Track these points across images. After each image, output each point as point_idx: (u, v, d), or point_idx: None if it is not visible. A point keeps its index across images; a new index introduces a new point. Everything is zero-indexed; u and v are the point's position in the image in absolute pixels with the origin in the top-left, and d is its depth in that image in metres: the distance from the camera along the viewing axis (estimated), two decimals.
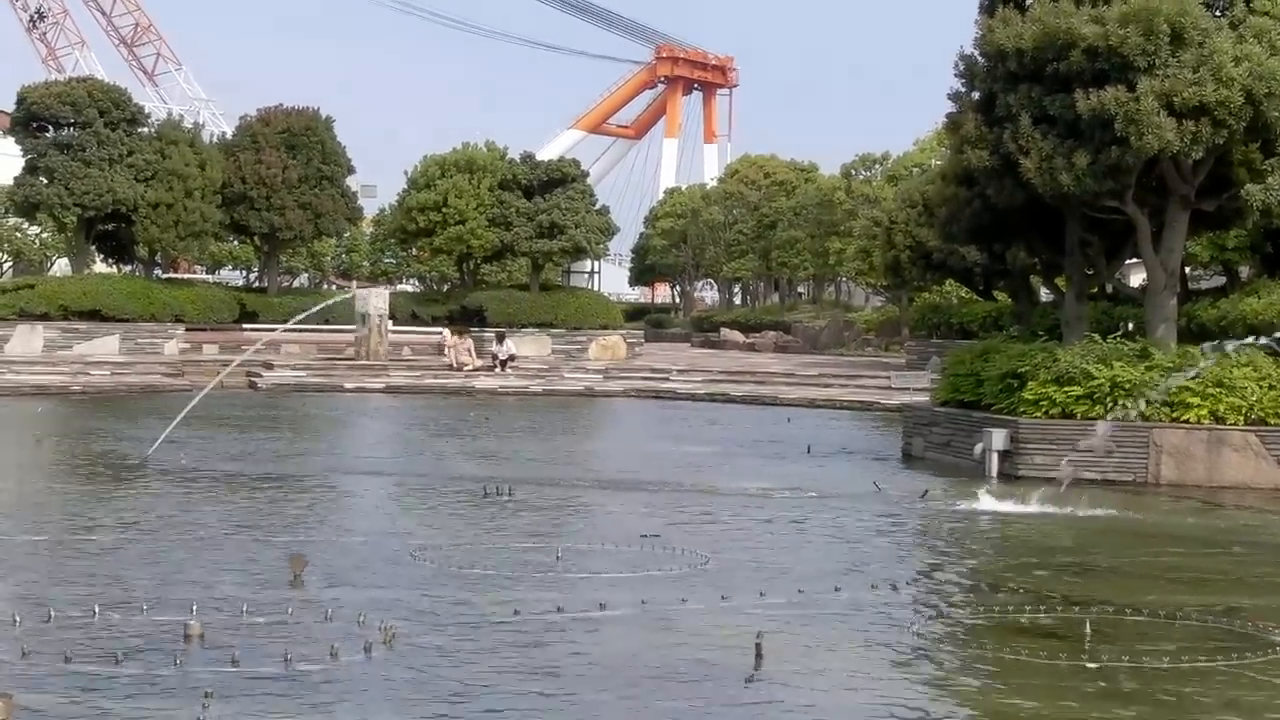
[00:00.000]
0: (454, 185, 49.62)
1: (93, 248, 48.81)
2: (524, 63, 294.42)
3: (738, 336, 60.95)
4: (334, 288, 74.35)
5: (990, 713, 8.25)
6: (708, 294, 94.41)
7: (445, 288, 66.32)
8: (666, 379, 40.44)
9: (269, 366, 38.92)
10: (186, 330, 43.89)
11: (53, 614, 9.70)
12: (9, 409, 29.58)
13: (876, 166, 58.46)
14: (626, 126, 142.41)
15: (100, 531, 13.78)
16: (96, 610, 9.85)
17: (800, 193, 68.36)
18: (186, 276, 66.38)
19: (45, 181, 44.15)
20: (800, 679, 8.69)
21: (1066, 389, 19.44)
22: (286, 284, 67.96)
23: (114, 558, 12.44)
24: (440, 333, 44.13)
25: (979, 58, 20.92)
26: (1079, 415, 19.24)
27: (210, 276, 74.14)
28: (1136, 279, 32.91)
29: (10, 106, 47.08)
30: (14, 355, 39.31)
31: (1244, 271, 34.45)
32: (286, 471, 19.56)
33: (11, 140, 47.77)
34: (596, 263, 78.48)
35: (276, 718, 7.75)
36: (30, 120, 45.30)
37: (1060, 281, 23.56)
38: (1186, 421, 18.91)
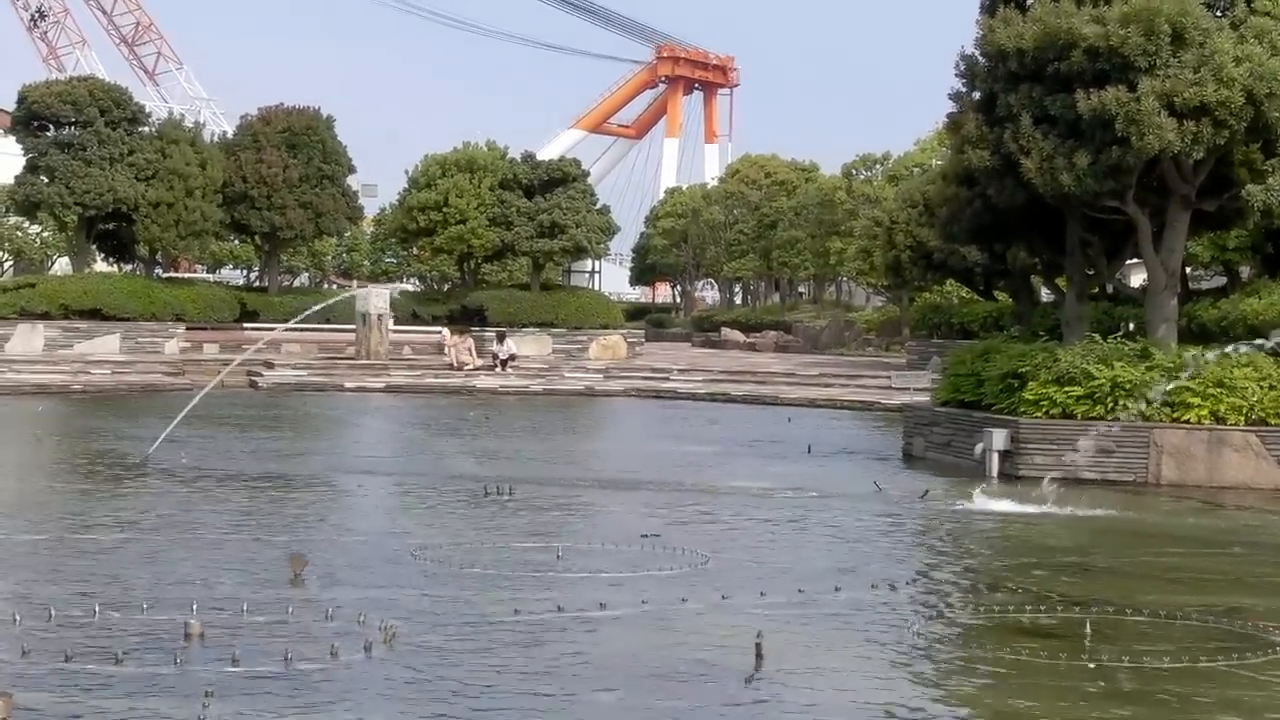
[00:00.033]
0: (455, 185, 49.63)
1: (93, 247, 48.82)
2: (525, 62, 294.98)
3: (738, 336, 60.95)
4: (334, 287, 74.38)
5: (990, 713, 8.25)
6: (708, 294, 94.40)
7: (446, 287, 66.34)
8: (667, 379, 40.44)
9: (269, 366, 38.93)
10: (187, 329, 43.89)
11: (53, 613, 9.70)
12: (10, 408, 29.59)
13: (877, 166, 58.45)
14: (627, 126, 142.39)
15: (100, 530, 13.78)
16: (97, 609, 9.86)
17: (801, 192, 68.35)
18: (187, 276, 66.39)
19: (46, 180, 44.15)
20: (800, 679, 8.69)
21: (1067, 389, 19.44)
22: (287, 283, 67.96)
23: (114, 557, 12.44)
24: (440, 332, 44.14)
25: (980, 58, 20.92)
26: (1079, 415, 19.24)
27: (211, 276, 74.15)
28: (1137, 279, 32.92)
29: (11, 105, 47.07)
30: (15, 354, 39.32)
31: (1245, 272, 34.46)
32: (287, 471, 19.56)
33: (12, 139, 47.76)
34: (597, 262, 78.42)
35: (276, 717, 7.75)
36: (31, 119, 45.31)
37: (1061, 281, 23.55)
38: (1187, 422, 18.91)
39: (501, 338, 42.36)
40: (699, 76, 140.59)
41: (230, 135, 52.25)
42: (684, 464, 21.48)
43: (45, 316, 41.25)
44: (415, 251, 68.05)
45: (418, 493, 17.82)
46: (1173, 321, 21.11)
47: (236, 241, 64.39)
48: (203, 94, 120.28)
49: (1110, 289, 30.17)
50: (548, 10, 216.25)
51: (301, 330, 39.24)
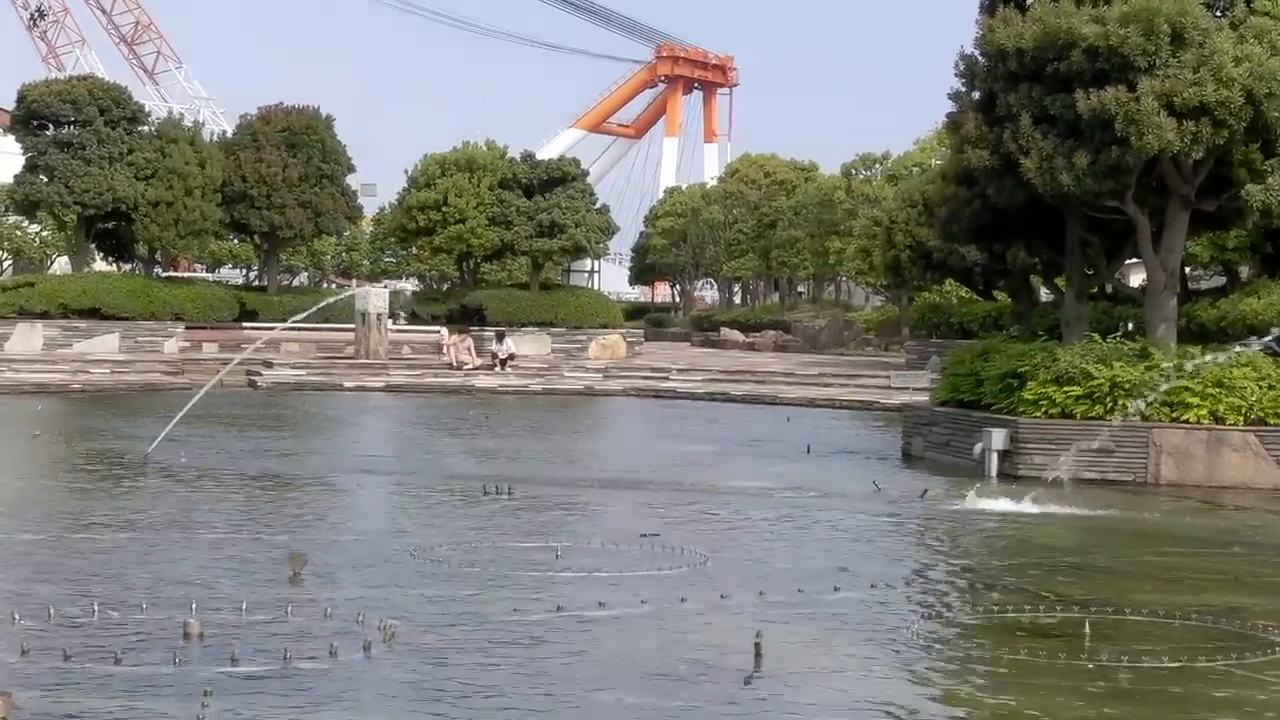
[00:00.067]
0: (454, 184, 49.62)
1: (93, 246, 48.82)
2: (524, 62, 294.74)
3: (737, 336, 60.94)
4: (334, 286, 74.39)
5: (989, 713, 8.25)
6: (708, 293, 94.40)
7: (445, 286, 66.35)
8: (666, 378, 40.44)
9: (269, 365, 38.92)
10: (186, 329, 43.89)
11: (52, 612, 9.70)
12: (9, 407, 29.58)
13: (877, 166, 58.45)
14: (627, 126, 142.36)
15: (99, 530, 13.78)
16: (96, 608, 9.86)
17: (800, 192, 68.36)
18: (186, 275, 66.41)
19: (45, 180, 44.14)
20: (799, 678, 8.69)
21: (1066, 389, 19.44)
22: (286, 282, 67.95)
23: (113, 556, 12.44)
24: (439, 331, 44.15)
25: (979, 57, 20.92)
26: (1079, 415, 19.25)
27: (210, 275, 74.19)
28: (1136, 279, 32.90)
29: (10, 104, 47.08)
30: (14, 353, 39.31)
31: (1244, 272, 34.45)
32: (286, 470, 19.56)
33: (12, 138, 47.77)
34: (596, 262, 78.42)
35: (276, 716, 7.75)
36: (30, 118, 45.30)
37: (1060, 281, 23.56)
38: (1186, 421, 18.91)
39: (501, 337, 42.36)
40: (698, 76, 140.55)
41: (229, 134, 52.25)
42: (683, 463, 21.48)
43: (44, 316, 41.26)
44: (414, 251, 68.05)
45: (417, 492, 17.82)
46: (1172, 321, 21.11)
47: (236, 241, 64.42)
48: (202, 93, 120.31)
49: (1110, 289, 30.17)
50: (547, 10, 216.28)
51: (301, 330, 39.23)
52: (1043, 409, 19.56)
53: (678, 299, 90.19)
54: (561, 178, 49.72)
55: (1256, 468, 18.69)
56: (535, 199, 49.56)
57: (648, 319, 75.78)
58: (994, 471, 19.40)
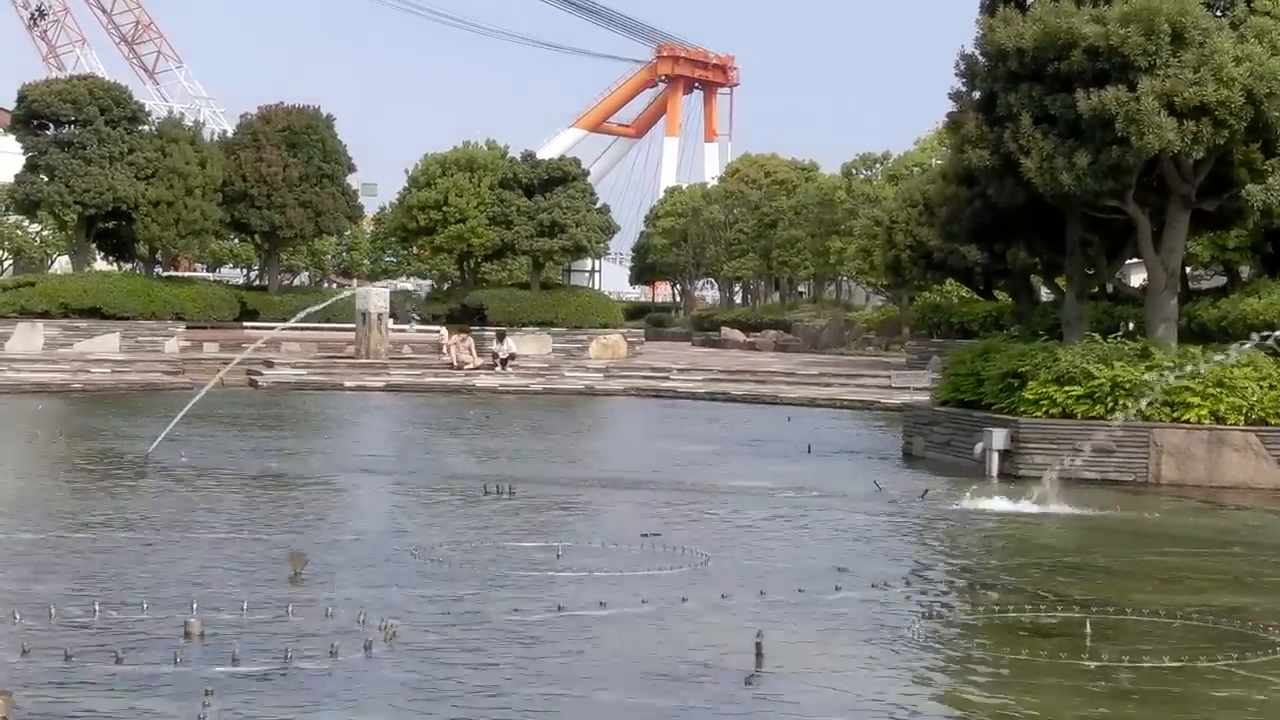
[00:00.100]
0: (454, 184, 49.63)
1: (93, 245, 48.84)
2: (525, 61, 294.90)
3: (738, 335, 60.94)
4: (334, 286, 74.40)
5: (989, 712, 8.24)
6: (708, 293, 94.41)
7: (446, 286, 66.35)
8: (667, 378, 40.44)
9: (269, 365, 38.93)
10: (187, 328, 43.91)
11: (53, 612, 9.70)
12: (9, 406, 29.59)
13: (877, 166, 58.45)
14: (627, 125, 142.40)
15: (100, 529, 13.78)
16: (96, 608, 9.86)
17: (801, 192, 68.36)
18: (187, 274, 66.43)
19: (46, 179, 44.16)
20: (800, 678, 8.69)
21: (1067, 389, 19.44)
22: (287, 282, 67.98)
23: (114, 555, 12.44)
24: (439, 331, 44.15)
25: (980, 57, 20.91)
26: (1079, 415, 19.25)
27: (211, 274, 74.23)
28: (1137, 279, 32.91)
29: (11, 104, 47.10)
30: (14, 353, 39.33)
31: (1244, 271, 34.46)
32: (287, 470, 19.56)
33: (12, 138, 47.79)
34: (597, 261, 78.42)
35: (277, 715, 7.75)
36: (31, 118, 45.32)
37: (1061, 281, 23.55)
38: (1187, 421, 18.91)
39: (501, 337, 42.36)
40: (699, 76, 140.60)
41: (230, 134, 52.28)
42: (684, 463, 21.48)
43: (45, 315, 41.28)
44: (415, 250, 68.06)
45: (417, 492, 17.82)
46: (1173, 321, 21.10)
47: (236, 240, 64.47)
48: (202, 93, 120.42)
49: (1110, 289, 30.17)
50: (548, 9, 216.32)
51: (301, 329, 39.25)
52: (1043, 409, 19.56)
53: (678, 299, 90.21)
54: (562, 177, 49.73)
55: (1257, 468, 18.68)
56: (536, 199, 49.56)
57: (648, 319, 75.80)
58: (995, 471, 19.40)
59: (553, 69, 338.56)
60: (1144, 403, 18.39)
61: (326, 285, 75.28)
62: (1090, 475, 18.54)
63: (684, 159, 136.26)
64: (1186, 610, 10.61)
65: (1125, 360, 19.49)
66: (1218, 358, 18.82)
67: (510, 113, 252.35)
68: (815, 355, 51.41)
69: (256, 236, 52.21)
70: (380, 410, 32.30)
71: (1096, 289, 27.15)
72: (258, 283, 62.84)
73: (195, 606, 9.77)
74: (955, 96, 21.86)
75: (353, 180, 53.18)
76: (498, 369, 40.66)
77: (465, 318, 46.59)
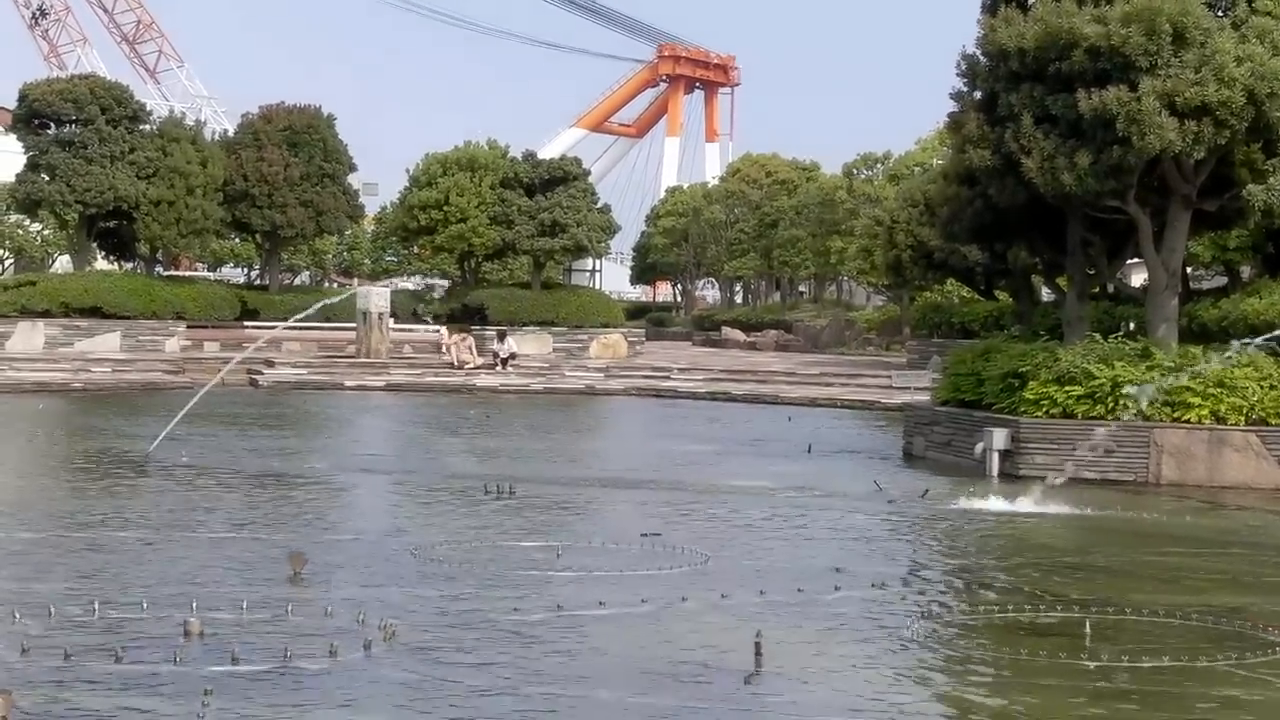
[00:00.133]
0: (455, 183, 49.63)
1: (94, 245, 48.86)
2: (526, 61, 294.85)
3: (739, 335, 60.94)
4: (335, 286, 74.41)
5: (989, 712, 8.24)
6: (709, 293, 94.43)
7: (447, 285, 66.35)
8: (667, 377, 40.45)
9: (270, 364, 38.93)
10: (188, 327, 43.93)
11: (52, 611, 9.70)
12: (10, 406, 29.59)
13: (878, 166, 58.45)
14: (628, 125, 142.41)
15: (100, 528, 13.78)
16: (96, 607, 9.86)
17: (802, 192, 68.37)
18: (188, 274, 66.43)
19: (47, 178, 44.17)
20: (800, 678, 8.69)
21: (1067, 389, 19.43)
22: (288, 282, 67.99)
23: (114, 555, 12.44)
24: (439, 330, 44.16)
25: (981, 57, 20.91)
26: (1080, 415, 19.24)
27: (211, 274, 74.25)
28: (1138, 279, 32.91)
29: (12, 103, 47.12)
30: (15, 352, 39.34)
31: (1245, 271, 34.45)
32: (287, 469, 19.56)
33: (13, 137, 47.82)
34: (598, 261, 78.41)
35: (276, 714, 7.74)
36: (32, 117, 45.34)
37: (1062, 281, 23.55)
38: (1187, 421, 18.90)
39: (502, 336, 42.36)
40: (700, 75, 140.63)
41: (231, 133, 52.30)
42: (684, 463, 21.48)
43: (46, 314, 41.29)
44: (416, 250, 68.08)
45: (417, 491, 17.82)
46: (1173, 321, 21.10)
47: (237, 240, 64.50)
48: (204, 92, 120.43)
49: (1111, 289, 30.16)
50: (549, 9, 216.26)
51: (302, 329, 39.27)
52: (1044, 409, 19.56)
53: (679, 298, 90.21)
54: (563, 177, 49.73)
55: (1258, 468, 18.68)
56: (537, 198, 49.57)
57: (649, 318, 75.82)
58: (995, 471, 19.40)
59: (553, 69, 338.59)
60: (1143, 401, 18.36)
61: (327, 285, 75.28)
62: (1090, 475, 18.53)
63: (685, 159, 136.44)
64: (1186, 610, 10.61)
65: (1126, 360, 19.48)
66: (1206, 365, 18.81)
67: (511, 112, 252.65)
68: (816, 355, 51.41)
69: (257, 236, 52.22)
70: (381, 410, 32.30)
71: (1097, 289, 27.15)
72: (258, 282, 62.86)
73: (195, 606, 9.77)
74: (956, 96, 21.87)
75: (354, 180, 53.22)
76: (498, 368, 40.66)
77: (466, 317, 46.60)
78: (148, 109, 48.68)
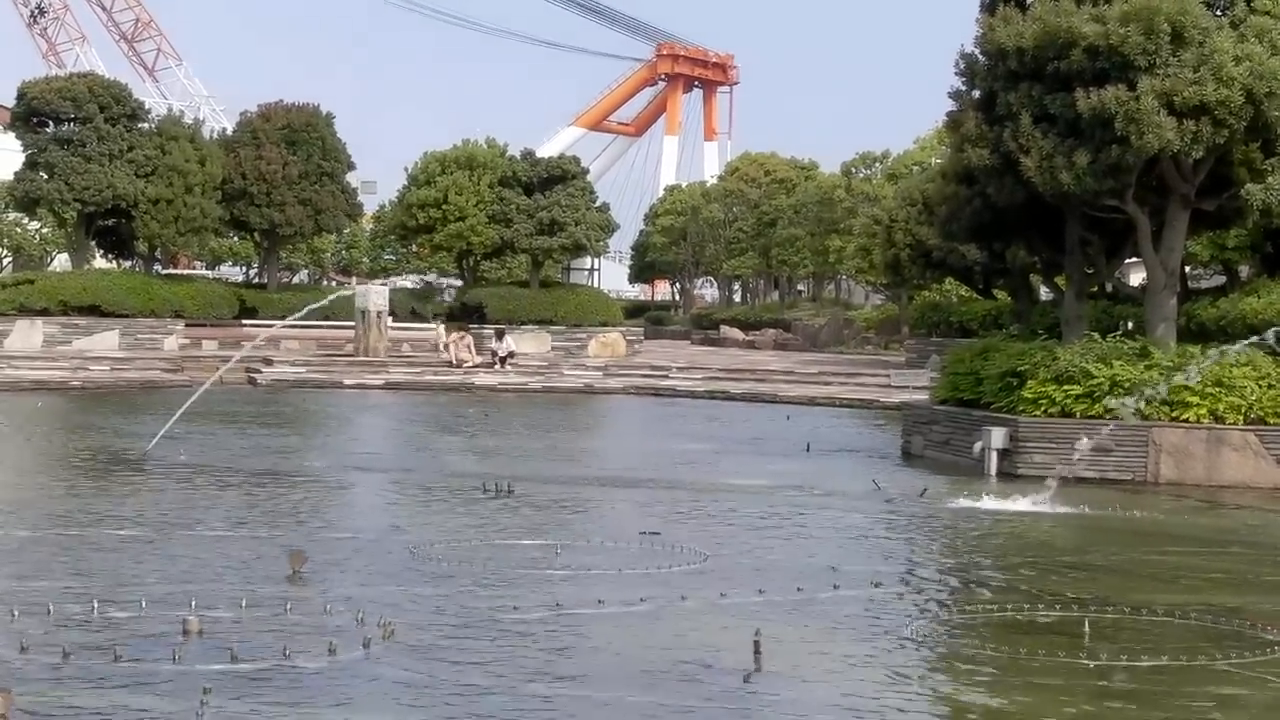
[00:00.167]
0: (454, 182, 49.62)
1: (93, 243, 48.84)
2: (525, 60, 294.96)
3: (737, 334, 60.94)
4: (334, 284, 74.41)
5: (988, 711, 8.24)
6: (707, 291, 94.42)
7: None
8: (666, 376, 40.44)
9: (268, 362, 38.92)
10: (186, 326, 43.92)
11: (51, 609, 9.70)
12: (8, 404, 29.56)
13: (877, 165, 58.47)
14: (627, 124, 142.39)
15: (99, 527, 13.78)
16: (95, 606, 9.86)
17: (800, 190, 68.38)
18: (186, 272, 66.43)
19: (45, 177, 44.16)
20: (798, 676, 8.69)
21: (1066, 388, 19.44)
22: (286, 280, 67.98)
23: (113, 553, 12.43)
24: (435, 329, 44.14)
25: (980, 56, 20.92)
26: (1078, 414, 19.25)
27: (210, 272, 74.22)
28: (1136, 278, 32.90)
29: (11, 102, 47.11)
30: (13, 350, 39.32)
31: (1244, 271, 34.46)
32: (285, 467, 19.56)
33: (12, 135, 47.81)
34: (596, 260, 78.46)
35: (275, 713, 7.74)
36: (31, 115, 45.32)
37: (1060, 280, 23.56)
38: (1186, 421, 18.91)
39: (501, 335, 42.35)
40: (699, 74, 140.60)
41: (230, 132, 52.28)
42: (683, 462, 21.49)
43: (44, 313, 41.28)
44: (414, 249, 68.08)
45: (416, 490, 17.82)
46: (1172, 320, 21.11)
47: (235, 238, 64.41)
48: (202, 91, 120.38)
49: (1109, 288, 30.16)
50: (548, 8, 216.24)
51: (301, 327, 39.26)
52: (1042, 408, 19.57)
53: (678, 297, 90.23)
54: (561, 176, 49.73)
55: (1256, 467, 18.69)
56: (535, 197, 49.56)
57: (647, 317, 75.82)
58: (994, 470, 19.40)
59: (552, 67, 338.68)
60: (1131, 402, 18.36)
61: (326, 283, 75.26)
62: (1089, 474, 18.54)
63: (683, 157, 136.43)
64: (1185, 609, 10.62)
65: (1124, 359, 19.49)
66: (1201, 364, 18.82)
67: (510, 111, 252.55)
68: (814, 354, 51.40)
69: (256, 234, 52.18)
70: (379, 408, 32.30)
71: (1096, 288, 27.15)
72: (257, 281, 62.82)
73: (193, 604, 9.76)
74: (955, 95, 21.87)
75: (352, 178, 53.21)
76: (497, 367, 40.66)
77: (464, 315, 46.59)
78: (146, 107, 48.65)
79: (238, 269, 77.14)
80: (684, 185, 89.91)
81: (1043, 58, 19.33)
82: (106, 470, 18.76)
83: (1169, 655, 9.21)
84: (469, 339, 42.25)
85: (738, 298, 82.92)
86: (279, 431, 25.44)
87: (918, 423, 22.88)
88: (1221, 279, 35.44)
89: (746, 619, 9.93)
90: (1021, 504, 16.51)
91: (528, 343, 44.84)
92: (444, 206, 49.49)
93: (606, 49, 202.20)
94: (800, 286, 77.46)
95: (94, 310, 41.87)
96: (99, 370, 37.13)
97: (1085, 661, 9.08)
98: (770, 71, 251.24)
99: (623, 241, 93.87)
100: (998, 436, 19.52)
